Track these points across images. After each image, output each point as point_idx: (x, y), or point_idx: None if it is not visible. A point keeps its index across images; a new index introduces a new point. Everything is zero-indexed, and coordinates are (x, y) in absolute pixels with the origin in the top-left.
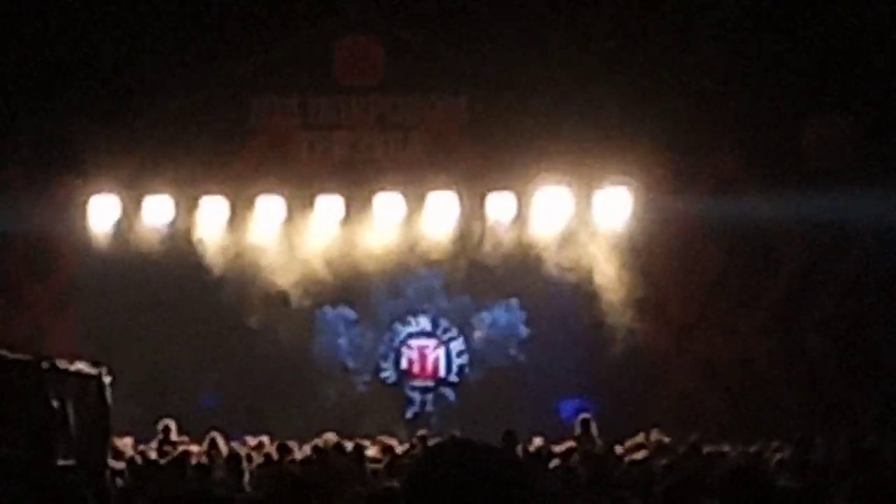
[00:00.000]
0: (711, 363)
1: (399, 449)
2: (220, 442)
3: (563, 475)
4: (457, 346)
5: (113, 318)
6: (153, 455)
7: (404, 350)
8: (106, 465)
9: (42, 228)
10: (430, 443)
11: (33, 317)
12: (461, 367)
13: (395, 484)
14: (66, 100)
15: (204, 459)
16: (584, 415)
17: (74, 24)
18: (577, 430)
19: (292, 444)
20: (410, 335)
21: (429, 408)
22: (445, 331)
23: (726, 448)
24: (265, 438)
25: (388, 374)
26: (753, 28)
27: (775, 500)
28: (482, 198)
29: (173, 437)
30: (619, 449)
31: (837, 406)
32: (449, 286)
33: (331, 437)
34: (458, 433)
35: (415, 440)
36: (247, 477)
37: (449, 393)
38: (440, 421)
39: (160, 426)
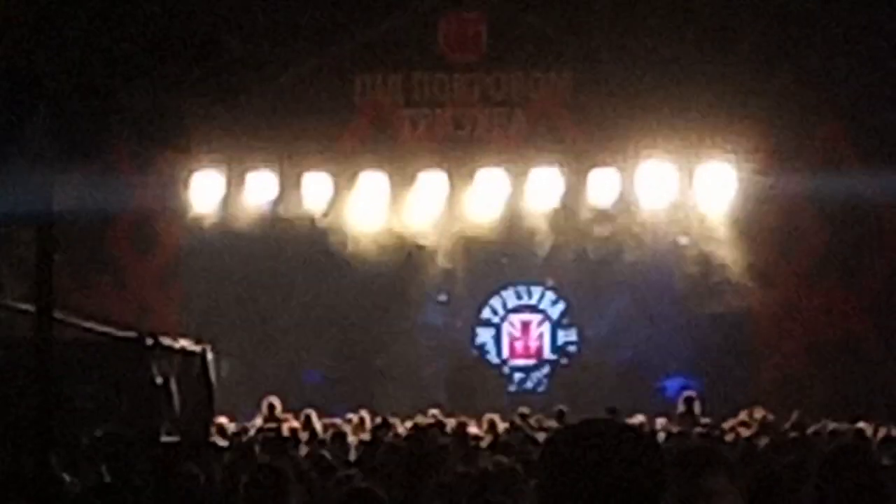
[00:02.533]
0: (815, 341)
1: (501, 426)
2: (315, 419)
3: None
4: (563, 321)
5: (216, 294)
6: (257, 432)
7: (506, 326)
8: (209, 441)
9: (146, 205)
10: (532, 420)
11: (138, 294)
12: (565, 344)
13: (505, 460)
14: (170, 76)
15: (304, 436)
16: (688, 392)
17: (178, 1)
18: (681, 409)
19: (394, 420)
20: (514, 309)
21: (529, 384)
22: (553, 303)
23: (830, 426)
24: (366, 415)
25: (490, 351)
26: (861, 5)
27: (879, 478)
28: (586, 174)
29: (278, 413)
30: (724, 426)
31: None
32: (553, 263)
33: (433, 413)
34: (564, 409)
35: (516, 418)
36: (352, 454)
37: (552, 371)
38: (543, 398)
39: (264, 403)
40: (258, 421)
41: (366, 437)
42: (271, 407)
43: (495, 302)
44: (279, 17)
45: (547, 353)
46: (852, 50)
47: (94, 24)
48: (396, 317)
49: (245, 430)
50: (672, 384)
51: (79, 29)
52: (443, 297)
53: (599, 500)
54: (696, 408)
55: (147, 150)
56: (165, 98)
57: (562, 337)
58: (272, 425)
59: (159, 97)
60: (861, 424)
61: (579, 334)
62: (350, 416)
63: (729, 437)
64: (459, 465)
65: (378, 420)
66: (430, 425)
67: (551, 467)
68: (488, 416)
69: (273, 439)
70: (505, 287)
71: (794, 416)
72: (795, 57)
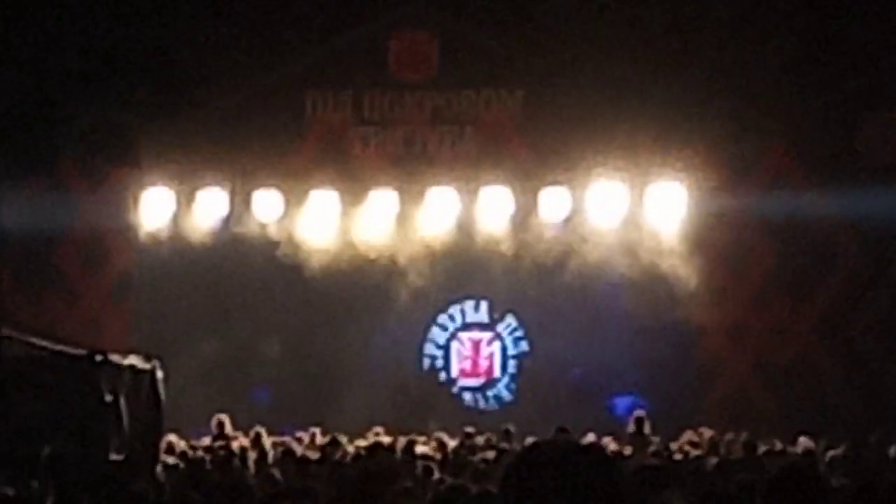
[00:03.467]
0: (764, 361)
1: (451, 445)
2: (265, 437)
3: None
4: (513, 339)
5: (167, 311)
6: (206, 450)
7: (455, 344)
8: (158, 459)
9: (96, 222)
10: (478, 439)
11: (87, 310)
12: (518, 363)
13: (462, 482)
14: (120, 92)
15: (253, 454)
16: (639, 412)
17: (129, 16)
18: (631, 428)
19: (343, 438)
20: (464, 326)
21: (479, 403)
22: (501, 321)
23: (779, 446)
24: (317, 431)
25: (439, 369)
26: (808, 24)
27: (828, 499)
28: (536, 193)
29: (227, 431)
30: (672, 446)
31: (892, 406)
32: (502, 281)
33: (381, 432)
34: (511, 428)
35: (464, 437)
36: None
37: (502, 390)
38: (493, 416)
39: (214, 421)
40: (207, 439)
41: (315, 455)
42: (221, 425)
43: (444, 319)
44: (230, 34)
45: (497, 373)
46: (800, 71)
47: (41, 38)
48: (347, 334)
49: (194, 448)
50: (621, 402)
51: (25, 43)
52: (393, 313)
53: None
54: (646, 428)
55: (96, 166)
56: (114, 114)
57: (513, 354)
58: (221, 443)
59: (108, 113)
60: (810, 444)
61: (530, 352)
62: (300, 433)
63: (678, 457)
64: (409, 484)
65: (328, 438)
66: (380, 444)
67: (515, 489)
68: (438, 434)
69: (223, 458)
70: (454, 304)
71: (744, 435)
72: (744, 78)
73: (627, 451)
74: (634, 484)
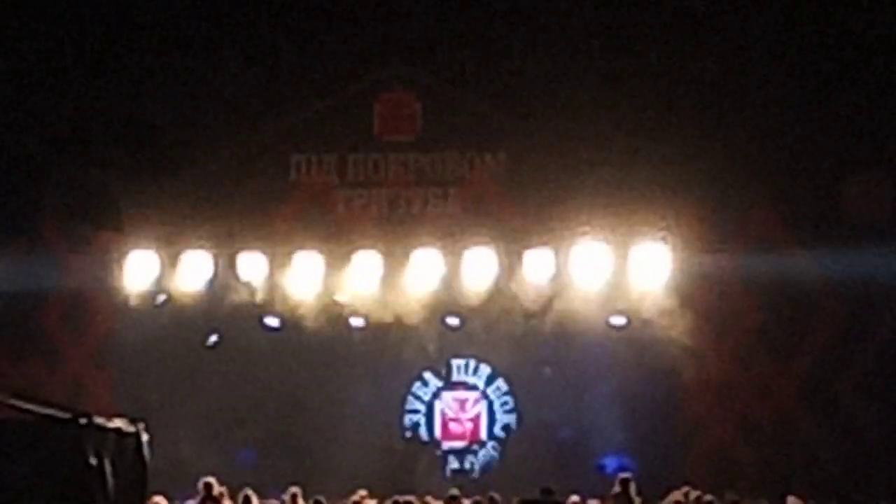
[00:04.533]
0: (749, 420)
1: None
2: (255, 499)
3: None
4: (500, 399)
5: (151, 374)
6: None
7: (439, 405)
8: None
9: (80, 284)
10: (467, 502)
11: (72, 373)
12: (506, 425)
13: None
14: (103, 156)
15: None
16: (624, 475)
17: (113, 79)
18: (616, 489)
19: (325, 501)
20: (449, 386)
21: (465, 465)
22: (487, 381)
23: None
24: (297, 491)
25: (420, 430)
26: (793, 85)
27: None
28: (520, 254)
29: (215, 493)
30: None
31: (877, 465)
32: (487, 341)
33: (364, 494)
34: (496, 493)
35: (448, 499)
36: None
37: (488, 452)
38: (480, 477)
39: (200, 484)
40: (194, 502)
41: None
42: (208, 486)
43: (428, 379)
44: (214, 96)
45: (483, 434)
46: (784, 133)
47: (26, 101)
48: (331, 395)
49: None
50: (611, 462)
51: (10, 105)
52: (379, 374)
53: None
54: (632, 490)
55: (79, 229)
56: (97, 178)
57: (499, 416)
58: None
59: (91, 176)
60: (789, 502)
61: (517, 413)
62: (283, 496)
63: None
64: None
65: (311, 500)
66: None
67: None
68: (423, 497)
69: None
70: (438, 364)
71: (728, 495)
72: (728, 139)
73: None
74: None
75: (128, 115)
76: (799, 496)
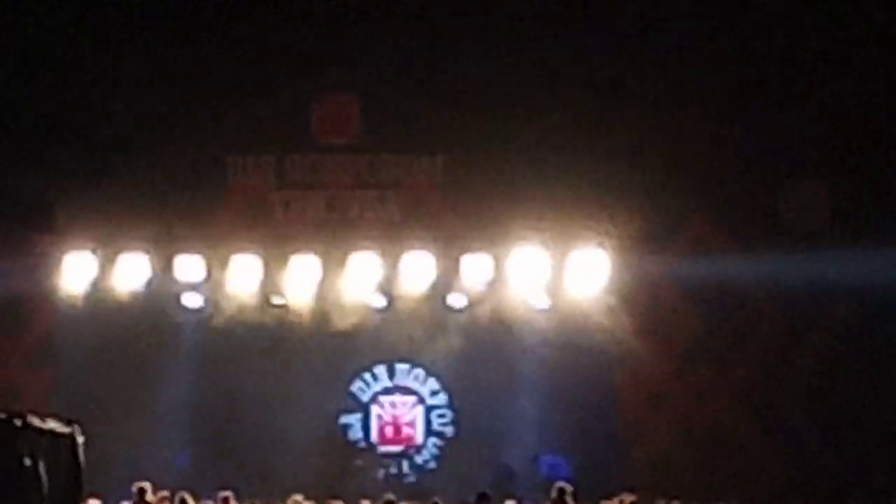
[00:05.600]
0: (686, 426)
1: None
2: (190, 502)
3: None
4: (438, 404)
5: (87, 375)
6: None
7: (375, 409)
8: None
9: (16, 286)
10: None
11: (7, 374)
12: (441, 428)
13: None
14: (39, 158)
15: None
16: (560, 483)
17: (47, 81)
18: (553, 495)
19: None
20: (385, 390)
21: (402, 469)
22: (424, 385)
23: None
24: (229, 495)
25: (356, 434)
26: (730, 93)
27: None
28: (458, 258)
29: (148, 497)
30: None
31: (814, 472)
32: (424, 345)
33: (298, 498)
34: (435, 496)
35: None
36: None
37: (425, 456)
38: (416, 481)
39: (135, 488)
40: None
41: None
42: (141, 491)
43: (365, 383)
44: (149, 99)
45: (419, 438)
46: (723, 139)
47: None
48: (269, 397)
49: None
50: (546, 461)
51: None
52: (314, 376)
53: None
54: (568, 498)
55: (12, 231)
56: (33, 180)
57: (436, 420)
58: None
59: (27, 179)
60: None
61: (453, 416)
62: (218, 497)
63: None
64: None
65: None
66: None
67: None
68: (358, 501)
69: None
70: (375, 367)
71: (664, 502)
72: (667, 144)
73: None
74: None
75: (62, 117)
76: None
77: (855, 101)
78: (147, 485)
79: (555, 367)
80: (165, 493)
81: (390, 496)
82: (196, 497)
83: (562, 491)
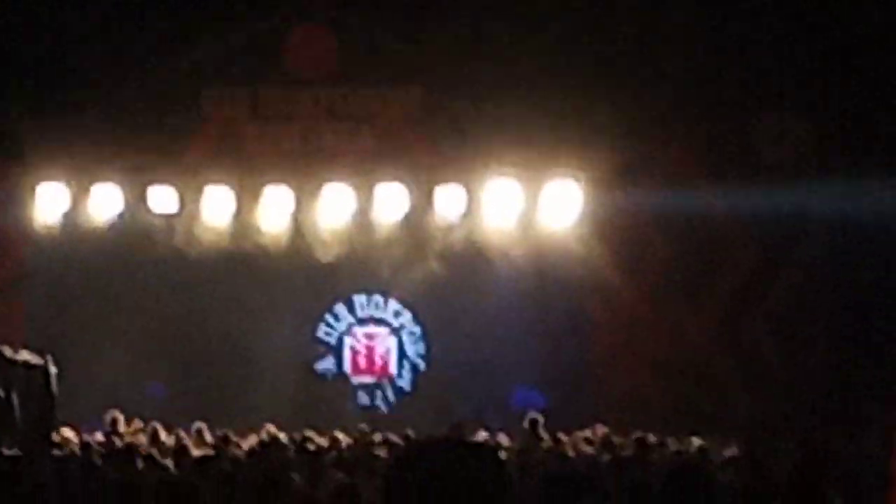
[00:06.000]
0: (659, 358)
1: (345, 442)
2: (163, 433)
3: (511, 468)
4: (410, 334)
5: (61, 307)
6: (101, 445)
7: (349, 340)
8: (50, 454)
9: None
10: (376, 437)
11: None
12: (414, 359)
13: (346, 477)
14: (6, 88)
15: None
16: (533, 415)
17: (16, 9)
18: (526, 426)
19: (233, 435)
20: (360, 321)
21: (375, 401)
22: (397, 316)
23: (673, 445)
24: (203, 426)
25: (329, 366)
26: (705, 25)
27: (717, 497)
28: (431, 190)
29: (121, 427)
30: (566, 444)
31: (788, 404)
32: (398, 276)
33: (272, 428)
34: (408, 426)
35: (358, 434)
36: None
37: (398, 386)
38: (389, 413)
39: (107, 417)
40: (101, 434)
41: (209, 452)
42: (114, 421)
43: (338, 313)
44: (123, 28)
45: (393, 368)
46: (696, 70)
47: None
48: (242, 329)
49: (88, 444)
50: (519, 395)
51: None
52: (289, 309)
53: None
54: (540, 428)
55: None
56: (1, 111)
57: (410, 350)
58: (115, 439)
59: None
60: (703, 443)
61: (427, 348)
62: (191, 429)
63: (571, 453)
64: (301, 480)
65: (219, 434)
66: (274, 440)
67: (395, 488)
68: (331, 432)
69: (117, 452)
70: (349, 298)
71: (637, 434)
72: (640, 76)
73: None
74: (556, 488)
75: (32, 46)
76: (705, 435)
77: (832, 30)
78: (120, 415)
79: (528, 299)
80: (139, 423)
81: (363, 427)
82: (169, 428)
83: (534, 422)
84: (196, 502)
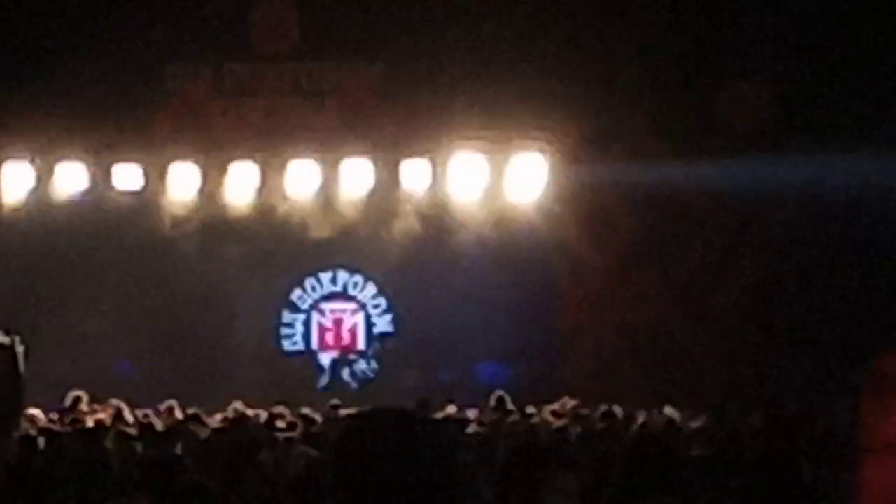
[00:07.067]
0: (627, 331)
1: (314, 417)
2: (126, 412)
3: (477, 442)
4: (376, 309)
5: (27, 286)
6: (61, 424)
7: (316, 315)
8: (18, 433)
9: None
10: (345, 412)
11: None
12: (383, 335)
13: (315, 453)
14: None
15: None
16: (500, 392)
17: None
18: (492, 404)
19: (203, 412)
20: (326, 297)
21: (343, 377)
22: (363, 291)
23: (641, 417)
24: (174, 404)
25: (297, 342)
26: None
27: (684, 469)
28: (397, 164)
29: (83, 407)
30: (534, 417)
31: (754, 375)
32: (364, 251)
33: (239, 406)
34: (376, 402)
35: (327, 410)
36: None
37: (365, 362)
38: (356, 388)
39: (69, 397)
40: (64, 413)
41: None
42: (76, 399)
43: (305, 289)
44: (84, 5)
45: (360, 345)
46: (658, 42)
47: None
48: (208, 305)
49: (55, 422)
50: (484, 370)
51: None
52: (255, 286)
53: (389, 492)
54: (508, 404)
55: None
56: None
57: (377, 326)
58: (76, 417)
59: None
60: (671, 415)
61: (393, 322)
62: (160, 407)
63: (539, 427)
64: (266, 454)
65: (189, 412)
66: (243, 417)
67: (345, 457)
68: (300, 408)
69: (84, 431)
70: (315, 275)
71: (604, 406)
72: (603, 49)
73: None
74: (518, 465)
75: None
76: (672, 406)
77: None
78: (82, 393)
79: (494, 273)
80: (104, 402)
81: (335, 401)
82: (133, 406)
83: (501, 399)
84: (168, 477)
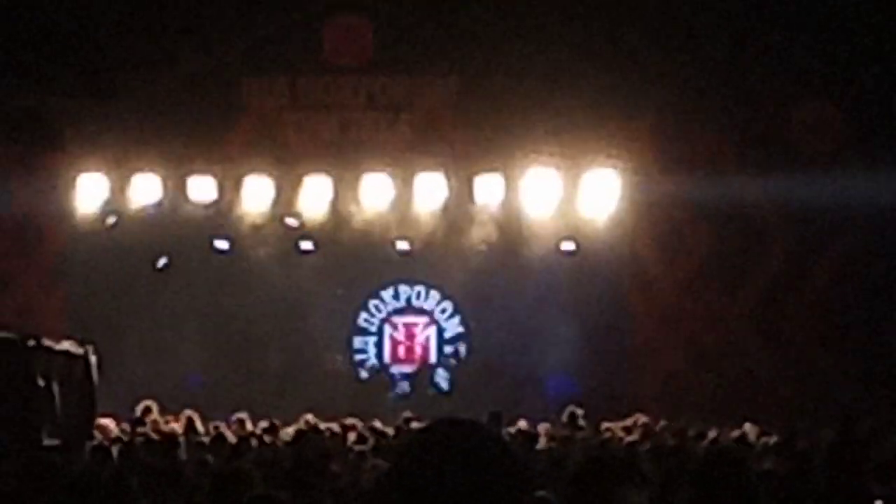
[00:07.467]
0: (698, 347)
1: (385, 430)
2: (198, 421)
3: (549, 458)
4: (451, 325)
5: (101, 297)
6: (133, 434)
7: (388, 329)
8: (93, 443)
9: (29, 207)
10: (416, 424)
11: (21, 295)
12: (455, 349)
13: (381, 464)
14: (48, 78)
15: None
16: (572, 408)
17: (59, 3)
18: (564, 419)
19: (276, 424)
20: (399, 311)
21: (417, 390)
22: (437, 305)
23: (712, 433)
24: (245, 416)
25: (369, 356)
26: (745, 13)
27: (756, 484)
28: (470, 179)
29: (154, 416)
30: (605, 433)
31: (825, 393)
32: (437, 266)
33: (310, 418)
34: (446, 415)
35: (401, 423)
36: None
37: (438, 374)
38: (429, 401)
39: (140, 407)
40: (131, 425)
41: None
42: (147, 410)
43: (377, 303)
44: (165, 17)
45: (433, 358)
46: (738, 57)
47: None
48: (281, 318)
49: (128, 433)
50: (554, 383)
51: None
52: (329, 300)
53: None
54: (580, 420)
55: (23, 150)
56: (38, 99)
57: (448, 340)
58: (146, 429)
59: (32, 98)
60: (743, 431)
61: (466, 337)
62: (231, 418)
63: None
64: (338, 467)
65: (262, 424)
66: (314, 429)
67: (408, 473)
68: (371, 421)
69: (157, 442)
70: (388, 288)
71: (673, 423)
72: (679, 66)
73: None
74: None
75: (72, 36)
76: (744, 423)
77: (869, 21)
78: (153, 404)
79: (566, 288)
80: (174, 413)
81: (408, 414)
82: (206, 418)
83: (573, 415)
84: (238, 489)
